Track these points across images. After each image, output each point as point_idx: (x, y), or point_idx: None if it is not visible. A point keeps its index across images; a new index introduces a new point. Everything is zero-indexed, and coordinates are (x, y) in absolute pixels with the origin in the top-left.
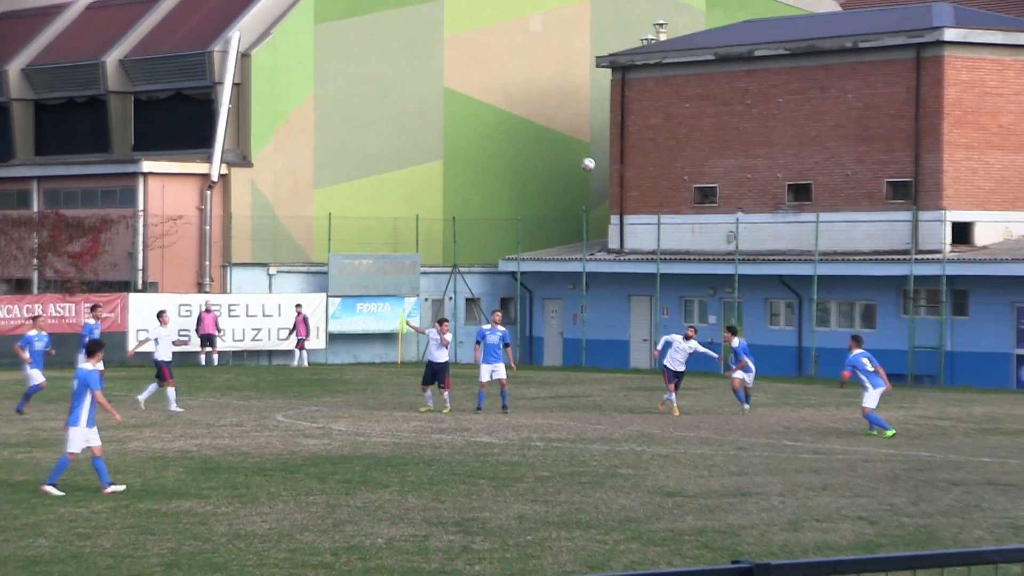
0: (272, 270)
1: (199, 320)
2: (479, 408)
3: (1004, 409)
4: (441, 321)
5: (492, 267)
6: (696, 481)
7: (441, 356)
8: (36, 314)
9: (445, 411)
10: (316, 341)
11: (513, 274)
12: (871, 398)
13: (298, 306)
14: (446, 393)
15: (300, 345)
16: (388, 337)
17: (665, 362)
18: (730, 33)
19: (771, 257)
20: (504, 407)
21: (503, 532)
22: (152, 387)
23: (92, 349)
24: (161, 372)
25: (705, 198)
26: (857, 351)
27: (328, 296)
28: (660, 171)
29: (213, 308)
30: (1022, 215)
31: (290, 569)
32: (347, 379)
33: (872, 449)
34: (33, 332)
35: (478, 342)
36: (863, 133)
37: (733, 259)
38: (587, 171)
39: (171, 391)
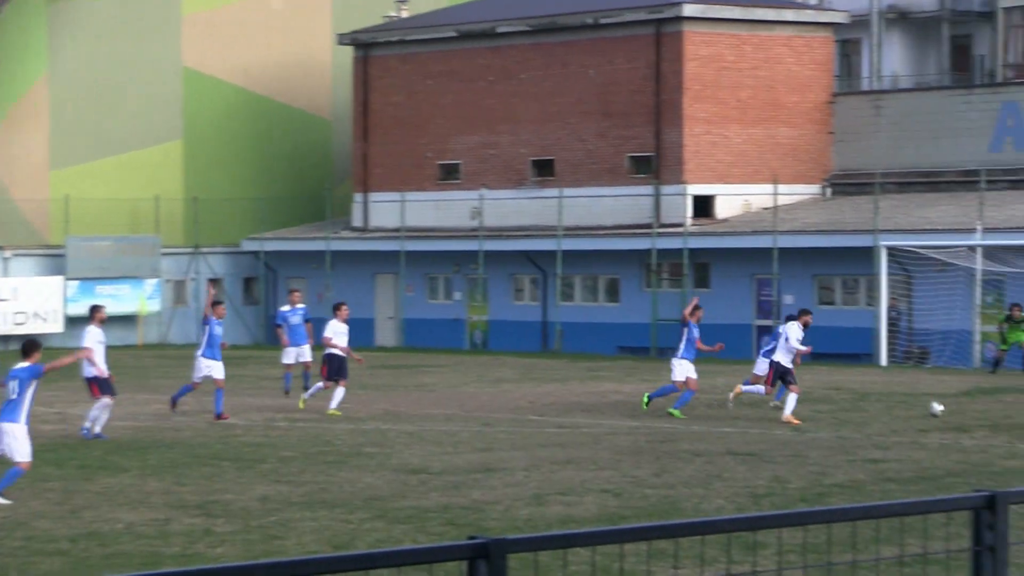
0: (7, 253)
1: None
2: (287, 391)
3: None
4: (338, 306)
5: (235, 247)
6: (441, 458)
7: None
8: None
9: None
10: (53, 325)
11: (256, 254)
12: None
13: None
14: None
15: None
16: (128, 320)
17: (775, 356)
18: (472, 10)
19: (515, 233)
20: (307, 387)
21: (246, 514)
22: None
23: (29, 349)
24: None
25: (449, 175)
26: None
27: (66, 279)
28: (404, 148)
29: None
30: (760, 188)
31: (25, 557)
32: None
33: (616, 422)
34: None
35: (279, 325)
36: (605, 108)
37: (478, 235)
38: (935, 415)
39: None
